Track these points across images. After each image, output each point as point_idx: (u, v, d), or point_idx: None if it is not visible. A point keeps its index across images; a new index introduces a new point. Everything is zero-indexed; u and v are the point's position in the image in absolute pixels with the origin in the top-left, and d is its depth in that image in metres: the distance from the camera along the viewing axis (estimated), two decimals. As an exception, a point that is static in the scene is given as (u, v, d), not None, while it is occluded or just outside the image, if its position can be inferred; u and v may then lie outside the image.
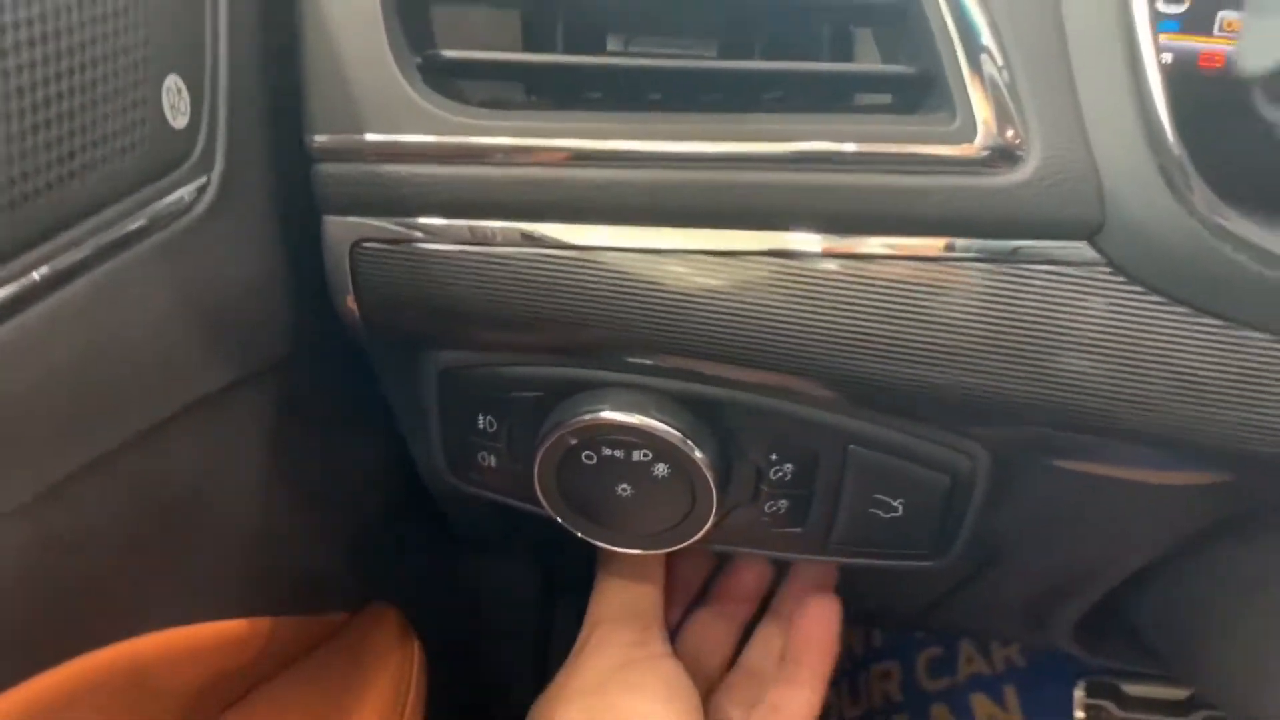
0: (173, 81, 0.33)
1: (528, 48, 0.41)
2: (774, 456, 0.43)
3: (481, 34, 0.41)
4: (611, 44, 0.40)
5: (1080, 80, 0.35)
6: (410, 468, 0.51)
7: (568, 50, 0.40)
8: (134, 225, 0.32)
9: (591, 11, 0.38)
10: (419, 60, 0.38)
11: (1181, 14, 0.40)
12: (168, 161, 0.33)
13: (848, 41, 0.40)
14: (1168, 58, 0.40)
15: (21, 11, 0.27)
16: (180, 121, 0.34)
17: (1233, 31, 0.41)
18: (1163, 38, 0.40)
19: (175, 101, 0.33)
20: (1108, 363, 0.37)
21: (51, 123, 0.28)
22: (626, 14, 0.39)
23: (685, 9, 0.38)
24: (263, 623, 0.47)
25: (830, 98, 0.40)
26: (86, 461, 0.32)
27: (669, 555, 0.50)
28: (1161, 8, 0.40)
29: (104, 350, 0.31)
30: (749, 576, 0.61)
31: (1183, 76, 0.38)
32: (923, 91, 0.37)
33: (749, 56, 0.40)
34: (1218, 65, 0.41)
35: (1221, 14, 0.40)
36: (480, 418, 0.44)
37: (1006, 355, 0.37)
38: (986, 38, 0.35)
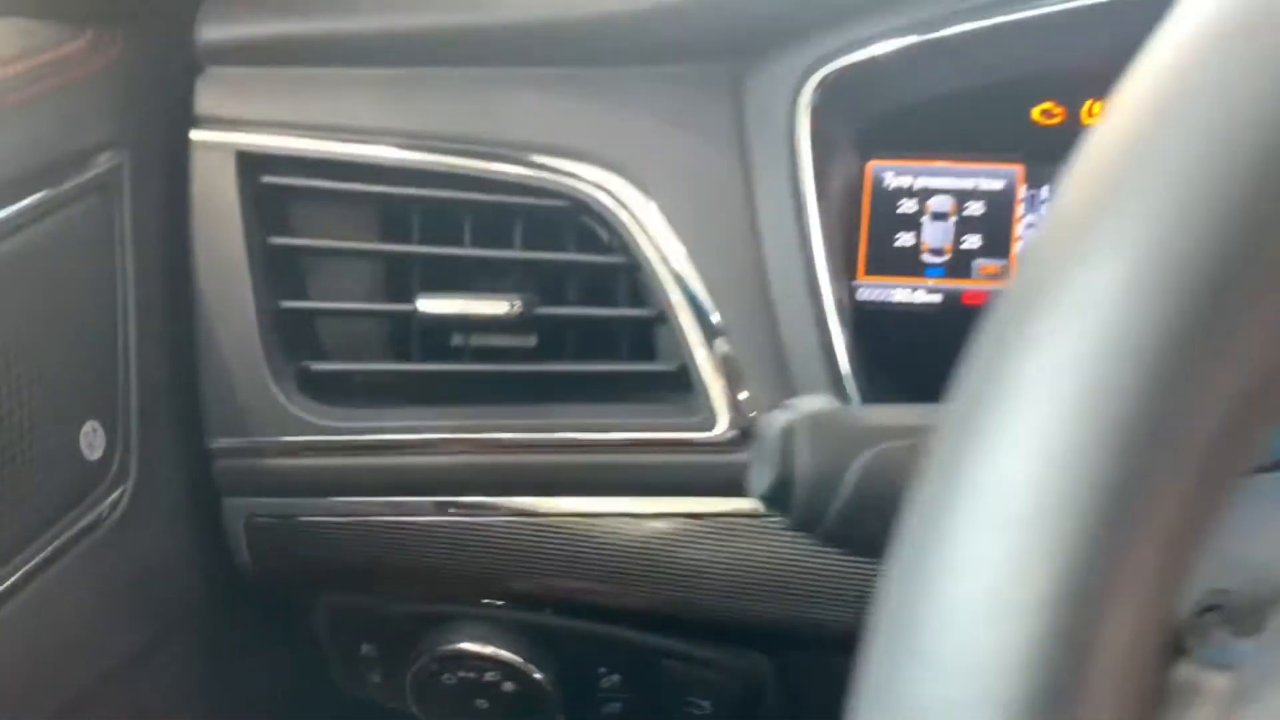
0: (90, 425, 0.43)
1: (391, 345, 0.51)
2: (602, 669, 0.51)
3: (358, 335, 0.51)
4: (456, 339, 0.50)
5: (795, 376, 0.45)
6: None
7: (422, 349, 0.50)
8: (58, 543, 0.41)
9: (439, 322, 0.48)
10: (295, 369, 0.48)
11: (945, 262, 0.50)
12: (85, 488, 0.43)
13: (650, 337, 0.49)
14: (937, 298, 0.51)
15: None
16: (96, 455, 0.43)
17: (990, 275, 0.51)
18: (930, 281, 0.50)
19: (92, 440, 0.43)
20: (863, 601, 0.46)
21: None
22: (468, 325, 0.48)
23: (510, 325, 0.47)
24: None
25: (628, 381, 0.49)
26: None
27: None
28: (926, 258, 0.51)
29: (37, 650, 0.40)
30: None
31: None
32: (686, 382, 0.47)
33: (563, 347, 0.50)
34: (980, 302, 0.51)
35: (977, 261, 0.50)
36: (364, 645, 0.53)
37: (794, 586, 0.46)
38: (720, 341, 0.45)
